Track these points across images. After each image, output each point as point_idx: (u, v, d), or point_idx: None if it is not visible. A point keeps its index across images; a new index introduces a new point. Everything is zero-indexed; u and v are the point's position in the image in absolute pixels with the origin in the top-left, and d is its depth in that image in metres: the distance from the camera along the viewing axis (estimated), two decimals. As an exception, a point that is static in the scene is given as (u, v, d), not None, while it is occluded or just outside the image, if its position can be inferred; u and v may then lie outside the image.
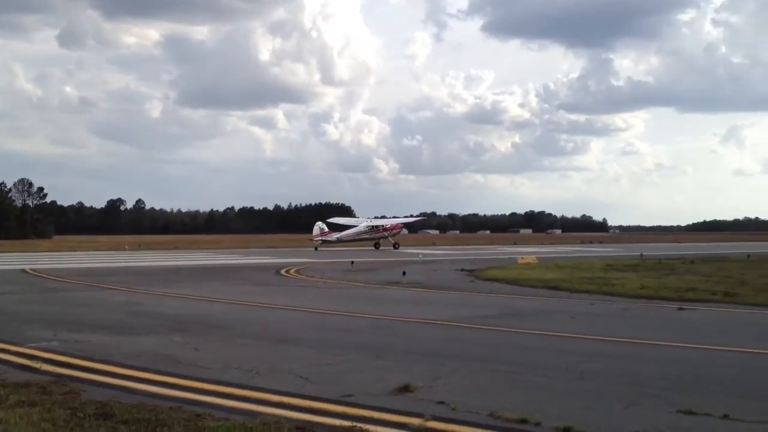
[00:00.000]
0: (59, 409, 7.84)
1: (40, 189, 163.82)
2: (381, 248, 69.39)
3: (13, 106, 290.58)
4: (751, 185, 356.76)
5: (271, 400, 8.43)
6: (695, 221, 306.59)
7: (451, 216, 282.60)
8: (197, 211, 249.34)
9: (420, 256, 50.44)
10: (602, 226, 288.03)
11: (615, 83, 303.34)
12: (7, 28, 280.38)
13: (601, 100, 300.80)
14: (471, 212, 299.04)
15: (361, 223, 77.14)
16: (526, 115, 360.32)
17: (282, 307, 19.43)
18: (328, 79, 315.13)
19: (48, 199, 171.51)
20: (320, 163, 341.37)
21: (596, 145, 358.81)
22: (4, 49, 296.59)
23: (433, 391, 8.82)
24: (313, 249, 66.47)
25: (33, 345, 12.26)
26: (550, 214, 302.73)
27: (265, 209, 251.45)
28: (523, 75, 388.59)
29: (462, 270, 35.50)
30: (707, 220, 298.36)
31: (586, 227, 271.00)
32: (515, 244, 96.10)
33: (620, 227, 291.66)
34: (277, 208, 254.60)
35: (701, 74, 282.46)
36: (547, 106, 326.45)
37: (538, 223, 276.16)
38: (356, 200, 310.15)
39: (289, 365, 10.58)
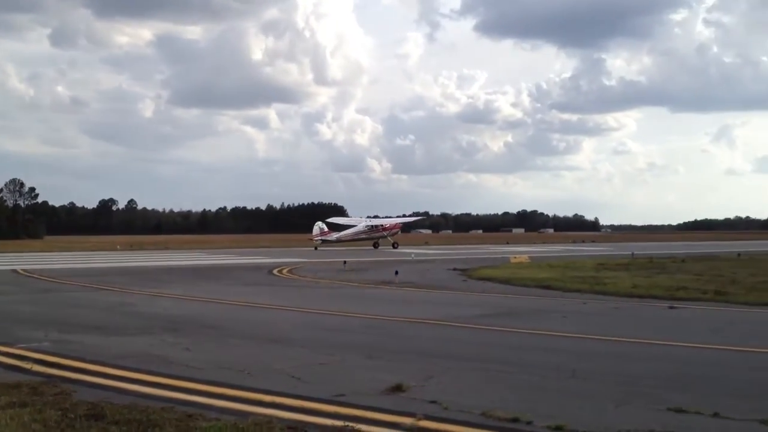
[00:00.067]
0: (50, 410, 7.81)
1: (32, 189, 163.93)
2: (380, 248, 69.47)
3: (5, 106, 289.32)
4: (743, 184, 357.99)
5: (263, 400, 8.42)
6: (687, 220, 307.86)
7: (444, 215, 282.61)
8: (189, 211, 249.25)
9: (412, 255, 50.47)
10: (594, 226, 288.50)
11: (607, 83, 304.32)
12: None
13: (593, 100, 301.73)
14: (464, 212, 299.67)
15: (360, 223, 77.32)
16: (518, 114, 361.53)
17: (274, 307, 19.42)
18: (321, 79, 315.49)
19: (39, 199, 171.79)
20: (313, 162, 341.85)
21: (588, 144, 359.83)
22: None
23: (426, 391, 8.83)
24: (313, 248, 66.63)
25: (24, 345, 12.21)
26: (542, 214, 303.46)
27: (257, 209, 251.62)
28: (516, 75, 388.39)
29: (454, 269, 35.54)
30: (698, 219, 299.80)
31: (578, 226, 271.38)
32: (508, 243, 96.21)
33: (612, 226, 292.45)
34: (270, 208, 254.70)
35: (693, 74, 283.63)
36: (539, 105, 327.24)
37: (530, 222, 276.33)
38: (349, 200, 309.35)
39: (281, 365, 10.58)
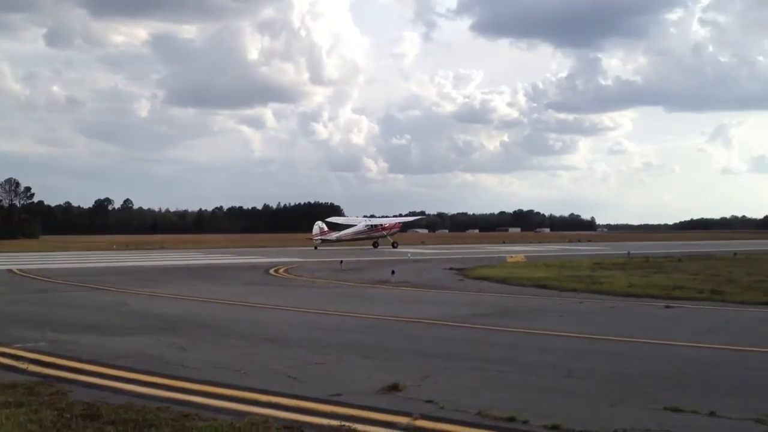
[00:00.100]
0: (46, 410, 7.80)
1: (28, 189, 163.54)
2: (379, 247, 69.63)
3: (0, 106, 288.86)
4: (738, 184, 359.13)
5: (259, 399, 8.42)
6: (683, 220, 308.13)
7: (440, 215, 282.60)
8: (186, 211, 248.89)
9: (409, 255, 50.49)
10: (590, 225, 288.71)
11: (603, 82, 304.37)
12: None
13: (589, 100, 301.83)
14: (460, 211, 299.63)
15: (360, 222, 77.56)
16: (514, 114, 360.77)
17: (271, 306, 19.41)
18: (317, 79, 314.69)
19: (35, 199, 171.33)
20: (309, 162, 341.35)
21: (584, 144, 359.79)
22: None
23: (422, 390, 8.83)
24: (313, 248, 66.74)
25: (19, 345, 12.19)
26: (538, 213, 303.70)
27: (254, 209, 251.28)
28: (512, 74, 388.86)
29: (451, 269, 35.55)
30: (695, 218, 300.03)
31: (574, 226, 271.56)
32: (504, 242, 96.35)
33: (608, 226, 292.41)
34: (266, 207, 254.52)
35: (689, 73, 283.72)
36: (535, 105, 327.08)
37: (526, 222, 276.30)
38: (346, 199, 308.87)
39: (278, 365, 10.57)
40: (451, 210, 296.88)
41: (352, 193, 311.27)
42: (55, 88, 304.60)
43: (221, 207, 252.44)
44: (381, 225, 75.53)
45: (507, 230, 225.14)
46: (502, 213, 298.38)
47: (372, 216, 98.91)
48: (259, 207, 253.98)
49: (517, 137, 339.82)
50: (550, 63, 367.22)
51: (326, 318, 16.81)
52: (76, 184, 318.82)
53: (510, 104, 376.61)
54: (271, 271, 35.21)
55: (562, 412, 7.83)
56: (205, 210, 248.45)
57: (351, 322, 16.11)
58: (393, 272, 28.98)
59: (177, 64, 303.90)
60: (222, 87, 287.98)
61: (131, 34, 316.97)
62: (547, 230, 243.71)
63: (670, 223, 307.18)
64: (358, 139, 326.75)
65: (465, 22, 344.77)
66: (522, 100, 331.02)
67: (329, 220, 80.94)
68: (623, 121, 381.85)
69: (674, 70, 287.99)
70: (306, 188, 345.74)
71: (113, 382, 9.48)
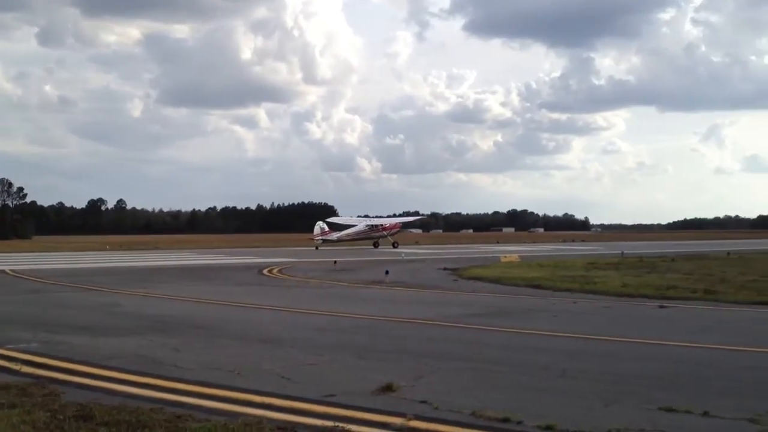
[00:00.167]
0: (39, 411, 7.77)
1: (20, 189, 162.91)
2: (379, 247, 69.88)
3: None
4: (732, 183, 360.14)
5: (252, 400, 8.40)
6: (676, 219, 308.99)
7: (434, 215, 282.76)
8: (179, 211, 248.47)
9: (403, 255, 50.49)
10: (584, 225, 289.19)
11: (596, 82, 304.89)
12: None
13: (582, 99, 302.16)
14: (454, 211, 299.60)
15: (360, 222, 78.02)
16: (508, 113, 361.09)
17: (264, 307, 19.38)
18: (310, 78, 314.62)
19: (28, 200, 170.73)
20: (303, 162, 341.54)
21: (578, 143, 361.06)
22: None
23: (416, 391, 8.82)
24: (314, 248, 67.03)
25: (12, 347, 12.14)
26: (532, 213, 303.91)
27: (247, 209, 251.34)
28: (505, 74, 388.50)
29: (445, 269, 35.56)
30: (688, 218, 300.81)
31: (568, 226, 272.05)
32: (498, 242, 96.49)
33: (602, 226, 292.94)
34: (260, 207, 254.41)
35: (682, 73, 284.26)
36: (528, 104, 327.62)
37: (520, 221, 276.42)
38: (339, 199, 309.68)
39: (271, 365, 10.56)
40: (445, 210, 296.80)
41: (346, 193, 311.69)
42: (47, 88, 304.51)
43: (215, 207, 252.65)
44: (381, 225, 75.99)
45: (501, 230, 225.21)
46: (495, 213, 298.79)
47: (366, 216, 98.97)
48: (253, 207, 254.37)
49: (511, 137, 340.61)
50: (543, 63, 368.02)
51: (320, 318, 16.79)
52: (69, 185, 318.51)
53: (503, 104, 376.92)
54: (265, 271, 35.17)
55: (556, 412, 7.83)
56: (199, 210, 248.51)
57: (344, 322, 16.10)
58: (387, 272, 28.99)
59: (170, 64, 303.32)
60: (215, 87, 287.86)
61: (124, 33, 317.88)
62: (541, 230, 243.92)
63: (664, 222, 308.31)
64: (351, 138, 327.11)
65: (458, 22, 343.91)
66: (515, 99, 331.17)
67: (329, 220, 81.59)
68: (616, 120, 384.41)
69: (667, 70, 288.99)
70: (299, 188, 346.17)
71: (106, 383, 9.45)
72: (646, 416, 7.69)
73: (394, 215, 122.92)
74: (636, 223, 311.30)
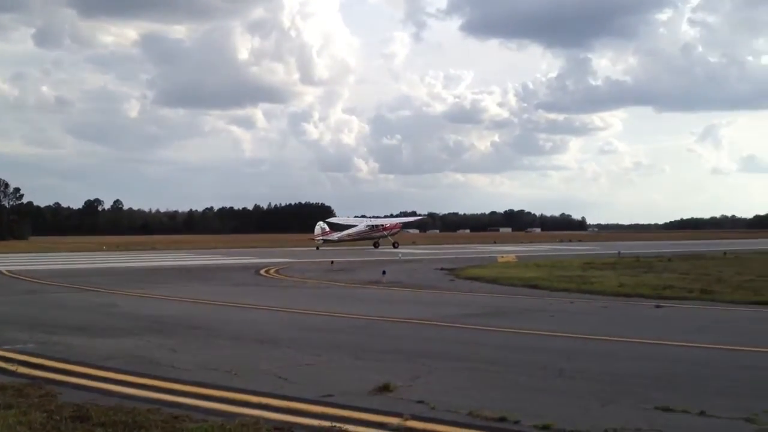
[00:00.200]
0: (35, 412, 7.75)
1: (17, 190, 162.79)
2: (380, 247, 70.09)
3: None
4: (728, 183, 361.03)
5: (249, 401, 8.39)
6: (673, 219, 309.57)
7: (431, 215, 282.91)
8: (176, 212, 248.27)
9: (400, 255, 50.50)
10: (581, 225, 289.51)
11: (593, 83, 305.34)
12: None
13: (579, 100, 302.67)
14: (451, 211, 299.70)
15: (361, 223, 78.42)
16: (505, 114, 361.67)
17: (261, 307, 19.37)
18: (307, 79, 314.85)
19: (24, 200, 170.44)
20: (300, 162, 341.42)
21: (575, 144, 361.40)
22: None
23: (413, 391, 8.82)
24: (315, 248, 67.29)
25: (8, 347, 12.11)
26: (529, 213, 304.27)
27: (244, 209, 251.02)
28: (502, 74, 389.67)
29: (442, 269, 35.55)
30: (685, 218, 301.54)
31: (565, 226, 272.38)
32: (495, 242, 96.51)
33: (599, 226, 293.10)
34: (257, 208, 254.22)
35: (678, 74, 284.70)
36: (525, 105, 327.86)
37: (517, 221, 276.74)
38: (336, 200, 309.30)
39: (268, 366, 10.55)
40: (442, 210, 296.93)
41: (343, 193, 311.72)
42: (44, 89, 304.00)
43: (212, 207, 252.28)
44: (382, 225, 76.32)
45: (498, 230, 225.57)
46: (493, 213, 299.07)
47: (363, 216, 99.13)
48: (250, 207, 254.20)
49: (508, 137, 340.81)
50: (540, 63, 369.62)
51: (317, 318, 16.78)
52: (66, 185, 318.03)
53: (500, 104, 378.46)
54: (262, 271, 35.15)
55: (553, 412, 7.83)
56: (196, 210, 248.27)
57: (341, 322, 16.09)
58: (384, 272, 28.98)
59: (167, 65, 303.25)
60: (212, 87, 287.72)
61: (121, 34, 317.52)
62: (538, 230, 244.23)
63: (661, 222, 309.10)
64: (348, 139, 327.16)
65: (455, 23, 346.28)
66: (512, 100, 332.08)
67: (330, 220, 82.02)
68: (613, 121, 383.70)
69: (664, 71, 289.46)
70: (297, 188, 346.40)
71: (103, 383, 9.43)
72: (643, 416, 7.70)
73: (392, 215, 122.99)
74: (633, 223, 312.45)
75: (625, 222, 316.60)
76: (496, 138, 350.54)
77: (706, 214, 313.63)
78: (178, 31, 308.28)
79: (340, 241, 72.82)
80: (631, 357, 11.63)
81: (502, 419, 7.55)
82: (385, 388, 8.82)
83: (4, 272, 34.65)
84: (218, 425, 7.27)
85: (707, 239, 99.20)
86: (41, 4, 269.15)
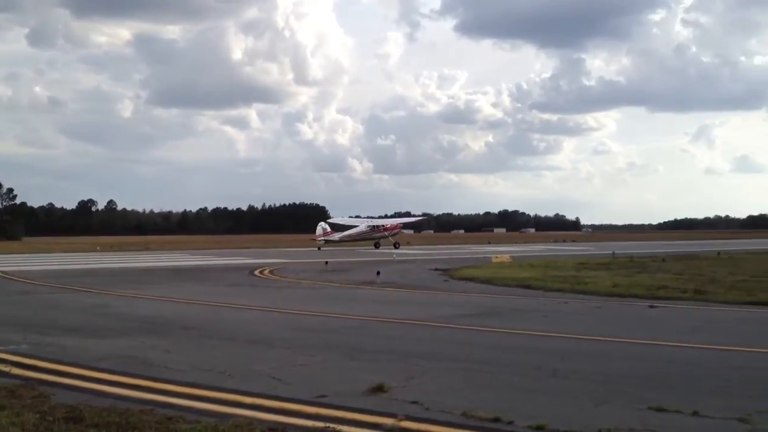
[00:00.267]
0: (28, 413, 7.73)
1: (10, 190, 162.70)
2: (380, 248, 70.49)
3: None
4: (722, 184, 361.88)
5: (243, 401, 8.38)
6: (666, 219, 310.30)
7: (426, 215, 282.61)
8: (170, 212, 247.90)
9: (394, 255, 50.50)
10: (575, 225, 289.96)
11: (587, 83, 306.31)
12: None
13: (573, 100, 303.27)
14: (445, 212, 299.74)
15: (362, 223, 79.13)
16: (499, 114, 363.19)
17: (255, 308, 19.35)
18: (301, 79, 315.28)
19: (18, 201, 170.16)
20: (294, 162, 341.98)
21: (569, 144, 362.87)
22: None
23: (407, 391, 8.82)
24: (317, 249, 67.63)
25: (1, 348, 12.07)
26: (523, 213, 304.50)
27: (239, 209, 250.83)
28: (496, 75, 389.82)
29: (436, 269, 35.56)
30: (678, 218, 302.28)
31: (559, 226, 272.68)
32: (489, 243, 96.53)
33: (593, 226, 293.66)
34: (251, 208, 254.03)
35: (672, 74, 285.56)
36: (519, 105, 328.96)
37: (512, 222, 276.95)
38: (331, 200, 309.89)
39: (262, 366, 10.54)
40: (436, 210, 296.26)
41: (337, 193, 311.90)
42: (37, 89, 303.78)
43: (206, 208, 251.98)
44: (383, 226, 77.05)
45: (492, 230, 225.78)
46: (487, 213, 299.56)
47: (357, 216, 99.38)
48: (244, 208, 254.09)
49: (502, 138, 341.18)
50: (533, 63, 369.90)
51: (311, 319, 16.76)
52: (59, 185, 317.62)
53: (494, 105, 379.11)
54: (256, 272, 35.11)
55: (547, 412, 7.84)
56: (190, 211, 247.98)
57: (336, 323, 16.08)
58: (378, 273, 28.99)
59: (160, 65, 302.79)
60: (206, 87, 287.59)
61: (114, 34, 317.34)
62: (532, 230, 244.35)
63: (654, 223, 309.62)
64: (342, 139, 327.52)
65: (449, 23, 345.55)
66: (506, 100, 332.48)
67: (331, 221, 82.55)
68: (607, 121, 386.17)
69: (657, 71, 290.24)
70: (291, 189, 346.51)
71: (96, 384, 9.41)
72: (636, 416, 7.71)
73: (386, 216, 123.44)
74: (627, 223, 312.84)
75: (619, 222, 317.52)
76: (490, 138, 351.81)
77: (699, 215, 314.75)
78: (172, 31, 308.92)
79: (341, 241, 73.32)
80: (625, 357, 11.64)
81: (496, 419, 7.56)
82: (379, 389, 8.82)
83: (-3, 273, 34.53)
84: (211, 426, 7.26)
85: (701, 239, 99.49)
86: (34, 4, 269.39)
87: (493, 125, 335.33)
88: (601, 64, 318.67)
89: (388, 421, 7.52)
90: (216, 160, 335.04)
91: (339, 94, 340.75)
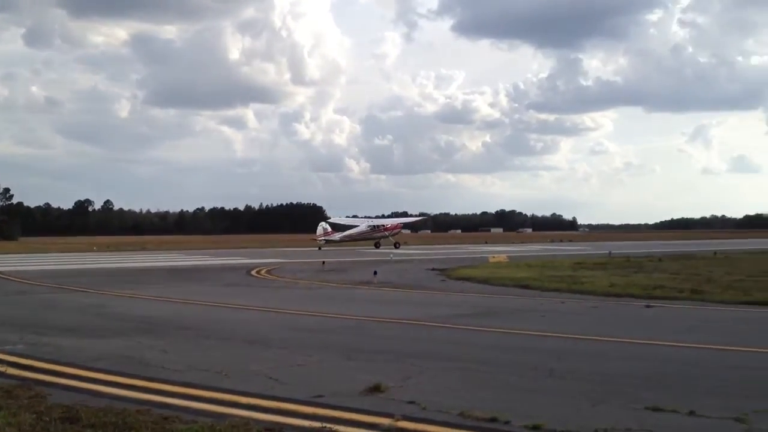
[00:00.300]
0: (25, 413, 7.71)
1: (7, 190, 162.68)
2: (381, 247, 70.63)
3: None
4: (718, 183, 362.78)
5: (240, 401, 8.37)
6: (663, 219, 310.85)
7: (423, 215, 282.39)
8: (167, 212, 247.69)
9: (391, 255, 50.49)
10: (572, 225, 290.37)
11: (584, 83, 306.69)
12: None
13: (570, 100, 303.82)
14: (442, 212, 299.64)
15: (362, 223, 79.45)
16: (496, 114, 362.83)
17: (252, 308, 19.33)
18: (298, 79, 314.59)
19: (14, 201, 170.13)
20: (291, 163, 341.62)
21: (566, 144, 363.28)
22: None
23: (404, 391, 8.82)
24: (317, 248, 67.68)
25: (-2, 348, 12.07)
26: (520, 213, 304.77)
27: (236, 209, 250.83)
28: (494, 75, 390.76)
29: (433, 269, 35.58)
30: (675, 218, 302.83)
31: (556, 226, 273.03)
32: (486, 243, 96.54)
33: (589, 226, 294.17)
34: (248, 208, 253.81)
35: (668, 74, 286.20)
36: (517, 105, 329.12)
37: (509, 222, 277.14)
38: (328, 200, 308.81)
39: (259, 366, 10.53)
40: (434, 210, 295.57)
41: (334, 193, 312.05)
42: (34, 89, 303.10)
43: (203, 208, 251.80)
44: (383, 226, 77.34)
45: (489, 230, 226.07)
46: (484, 213, 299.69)
47: (355, 216, 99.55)
48: (241, 208, 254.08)
49: (499, 138, 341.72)
50: (531, 63, 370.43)
51: (308, 319, 16.75)
52: (56, 185, 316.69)
53: (491, 105, 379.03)
54: (253, 272, 35.09)
55: (544, 412, 7.84)
56: (187, 211, 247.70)
57: (333, 323, 16.07)
58: (375, 273, 28.97)
59: (157, 65, 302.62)
60: (203, 87, 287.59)
61: (111, 34, 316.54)
62: (529, 230, 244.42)
63: (651, 222, 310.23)
64: (340, 139, 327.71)
65: (446, 23, 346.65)
66: (503, 100, 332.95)
67: (332, 221, 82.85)
68: (604, 121, 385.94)
69: (654, 71, 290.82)
70: (288, 189, 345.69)
71: (93, 384, 9.39)
72: (633, 416, 7.71)
73: (383, 216, 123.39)
74: (623, 223, 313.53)
75: (616, 222, 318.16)
76: (488, 138, 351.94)
77: (696, 214, 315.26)
78: (169, 31, 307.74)
79: (341, 241, 73.65)
80: (622, 357, 11.66)
81: (493, 419, 7.56)
82: (376, 389, 8.82)
83: (-6, 273, 34.47)
84: (208, 426, 7.25)
85: (697, 239, 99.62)
86: (31, 4, 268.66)
87: (490, 125, 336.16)
88: (598, 64, 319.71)
89: (385, 421, 7.52)
90: (213, 160, 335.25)
91: (336, 94, 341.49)
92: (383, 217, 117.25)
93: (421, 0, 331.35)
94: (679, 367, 10.76)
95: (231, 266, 40.77)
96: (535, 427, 7.27)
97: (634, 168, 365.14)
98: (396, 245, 70.52)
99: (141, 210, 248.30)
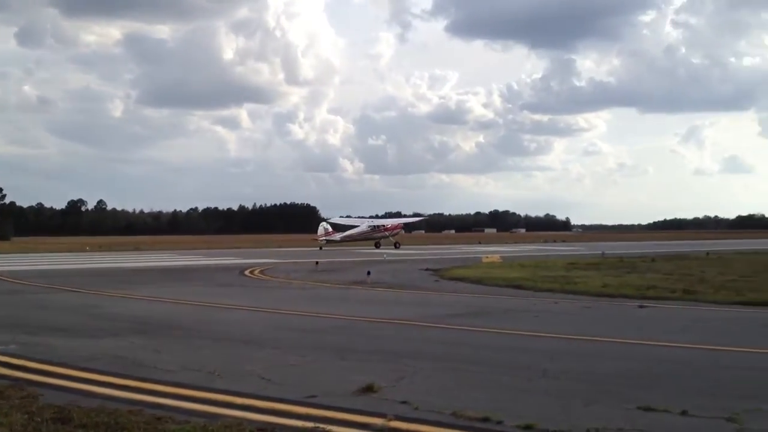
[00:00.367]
0: (16, 414, 7.69)
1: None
2: (381, 247, 70.77)
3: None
4: (711, 184, 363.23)
5: (232, 402, 8.37)
6: (656, 220, 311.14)
7: (417, 215, 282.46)
8: (160, 212, 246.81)
9: (385, 255, 50.50)
10: (565, 225, 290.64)
11: (577, 84, 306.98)
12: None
13: (563, 101, 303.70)
14: (436, 212, 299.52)
15: (363, 223, 79.82)
16: (490, 115, 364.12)
17: (245, 308, 19.31)
18: (292, 79, 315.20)
19: (7, 200, 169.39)
20: (285, 163, 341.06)
21: (559, 145, 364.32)
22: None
23: (397, 391, 8.82)
24: (318, 248, 67.78)
25: (-11, 349, 12.03)
26: (514, 214, 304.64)
27: (229, 209, 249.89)
28: (487, 75, 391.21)
29: (427, 269, 35.58)
30: (668, 218, 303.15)
31: (549, 226, 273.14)
32: (480, 243, 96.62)
33: (583, 226, 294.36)
34: (242, 208, 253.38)
35: (662, 75, 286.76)
36: (510, 106, 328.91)
37: (502, 222, 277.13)
38: (321, 200, 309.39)
39: (252, 366, 10.51)
40: (427, 210, 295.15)
41: (328, 193, 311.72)
42: (26, 88, 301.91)
43: (196, 208, 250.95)
44: (383, 226, 77.87)
45: (483, 231, 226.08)
46: (477, 213, 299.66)
47: (348, 216, 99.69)
48: (235, 208, 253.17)
49: (493, 138, 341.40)
50: (524, 64, 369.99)
51: (301, 319, 16.75)
52: (49, 185, 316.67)
53: (485, 105, 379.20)
54: (247, 272, 35.05)
55: (536, 412, 7.85)
56: (180, 211, 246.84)
57: (326, 323, 16.07)
58: (369, 273, 28.99)
59: (150, 65, 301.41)
60: (197, 87, 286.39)
61: (104, 33, 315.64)
62: (523, 230, 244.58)
63: (644, 223, 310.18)
64: (333, 139, 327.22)
65: (440, 23, 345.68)
66: (497, 101, 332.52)
67: (332, 221, 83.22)
68: (597, 122, 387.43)
69: (647, 72, 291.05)
70: (282, 189, 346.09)
71: (85, 385, 9.38)
72: (624, 415, 7.73)
73: (376, 216, 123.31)
74: (617, 223, 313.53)
75: (609, 222, 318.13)
76: (481, 139, 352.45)
77: (689, 215, 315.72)
78: (162, 30, 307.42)
79: (342, 241, 73.98)
80: (614, 357, 11.68)
81: (486, 419, 7.57)
82: (369, 389, 8.82)
83: (-14, 273, 34.35)
84: (201, 426, 7.25)
85: (690, 239, 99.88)
86: (24, 4, 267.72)
87: (484, 126, 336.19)
88: (592, 65, 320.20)
89: (377, 421, 7.52)
90: (206, 160, 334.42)
91: (330, 94, 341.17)
92: (377, 217, 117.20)
93: (414, 0, 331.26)
94: (671, 367, 10.78)
95: (224, 266, 40.72)
96: (527, 427, 7.28)
97: (627, 168, 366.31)
98: (396, 245, 70.72)
99: (134, 210, 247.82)
